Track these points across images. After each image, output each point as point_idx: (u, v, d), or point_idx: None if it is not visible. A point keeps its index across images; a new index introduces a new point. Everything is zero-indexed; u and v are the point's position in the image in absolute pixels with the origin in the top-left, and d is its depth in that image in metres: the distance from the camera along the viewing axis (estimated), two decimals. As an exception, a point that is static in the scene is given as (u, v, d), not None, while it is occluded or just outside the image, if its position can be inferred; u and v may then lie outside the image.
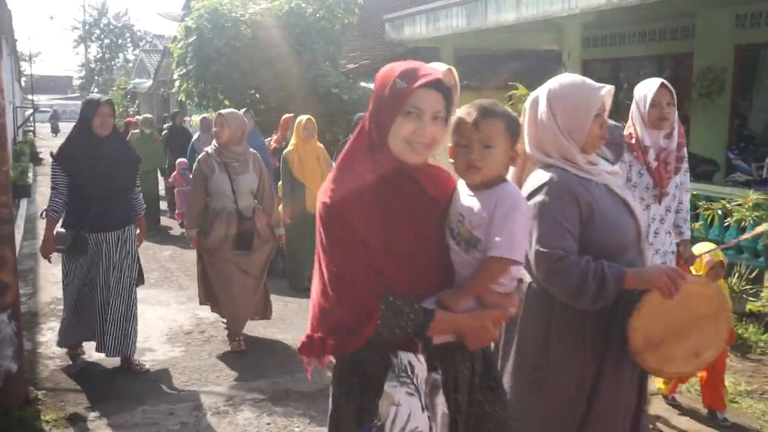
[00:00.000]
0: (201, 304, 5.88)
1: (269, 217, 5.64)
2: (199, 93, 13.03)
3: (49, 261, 5.06)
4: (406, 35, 12.96)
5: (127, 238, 5.05)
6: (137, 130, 11.94)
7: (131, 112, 31.59)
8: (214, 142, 5.51)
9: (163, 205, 12.84)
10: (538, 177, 2.48)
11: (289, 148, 7.31)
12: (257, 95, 13.17)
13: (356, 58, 16.33)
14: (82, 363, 5.28)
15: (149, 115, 12.70)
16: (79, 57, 61.73)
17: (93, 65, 55.95)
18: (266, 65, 12.37)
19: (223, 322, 5.96)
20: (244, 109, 7.43)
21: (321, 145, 7.38)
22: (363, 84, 14.23)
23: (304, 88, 12.35)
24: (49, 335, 5.91)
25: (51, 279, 7.82)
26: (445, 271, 2.10)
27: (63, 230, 4.89)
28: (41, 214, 4.72)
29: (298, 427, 4.22)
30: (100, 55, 56.65)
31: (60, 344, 5.23)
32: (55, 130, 40.35)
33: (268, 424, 4.27)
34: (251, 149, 5.78)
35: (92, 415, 4.39)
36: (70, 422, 4.29)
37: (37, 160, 23.04)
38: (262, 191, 5.61)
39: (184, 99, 13.73)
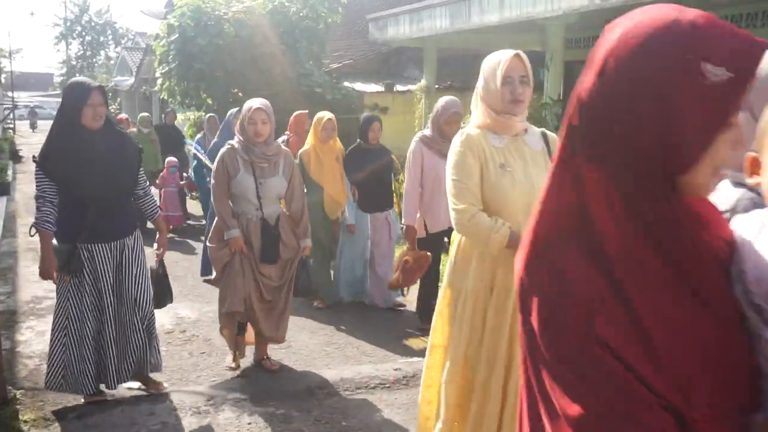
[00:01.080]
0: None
1: (297, 227, 4.96)
2: (181, 91, 12.97)
3: (55, 281, 4.19)
4: (389, 35, 12.96)
5: (134, 247, 4.35)
6: (134, 129, 11.46)
7: (113, 110, 31.35)
8: (238, 136, 4.81)
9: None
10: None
11: (305, 147, 6.74)
12: (240, 94, 13.12)
13: (340, 58, 16.31)
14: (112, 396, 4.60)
15: (147, 114, 12.23)
16: (60, 54, 61.20)
17: (74, 62, 55.49)
18: (249, 64, 12.34)
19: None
20: (236, 108, 7.14)
21: (341, 145, 6.93)
22: (347, 84, 14.22)
23: (288, 88, 12.33)
24: (28, 334, 5.85)
25: (30, 278, 7.75)
26: (747, 378, 1.12)
27: (54, 244, 4.12)
28: (31, 231, 4.00)
29: (278, 427, 4.21)
30: (82, 52, 56.20)
31: (70, 390, 4.39)
32: (33, 126, 40.14)
33: (249, 424, 4.25)
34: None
35: (71, 415, 4.35)
36: (49, 422, 4.25)
37: (16, 157, 22.81)
38: (291, 196, 4.93)
39: (166, 97, 13.66)
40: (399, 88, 14.19)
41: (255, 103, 4.74)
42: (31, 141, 30.23)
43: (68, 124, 4.07)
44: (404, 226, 5.57)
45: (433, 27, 11.38)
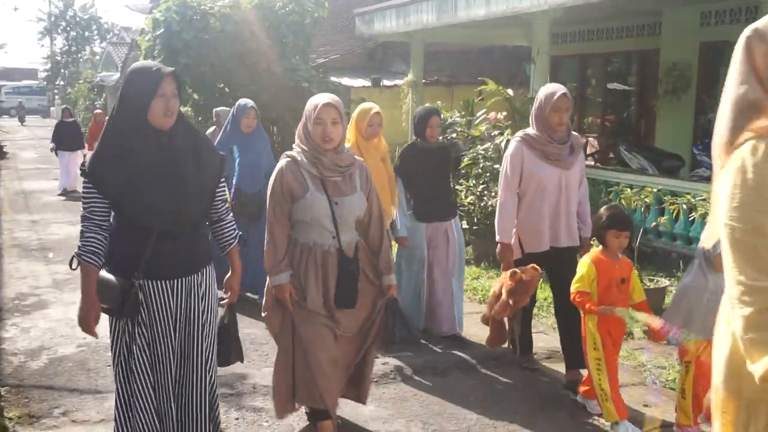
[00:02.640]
0: (286, 413, 4.00)
1: (377, 258, 3.87)
2: (167, 86, 12.90)
3: (94, 334, 3.19)
4: (376, 30, 12.95)
5: (205, 287, 3.26)
6: None
7: (98, 106, 31.16)
8: (299, 144, 3.71)
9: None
10: None
11: (347, 145, 5.28)
12: (226, 89, 13.06)
13: (326, 53, 16.28)
14: None
15: None
16: (44, 49, 60.82)
17: (59, 58, 55.01)
18: (235, 59, 12.29)
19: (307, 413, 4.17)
20: (244, 101, 6.62)
21: (386, 144, 5.76)
22: (333, 78, 14.20)
23: (274, 83, 12.29)
24: (12, 331, 5.82)
25: (15, 274, 7.71)
26: None
27: (106, 277, 3.08)
28: (72, 264, 3.05)
29: (266, 421, 4.21)
30: (66, 47, 55.73)
31: None
32: (22, 120, 40.04)
33: (237, 419, 4.25)
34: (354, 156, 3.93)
35: (57, 411, 4.33)
36: (34, 419, 4.23)
37: (0, 153, 22.61)
38: (368, 218, 3.84)
39: (152, 92, 13.58)
40: (386, 82, 14.19)
41: (323, 98, 3.63)
42: (15, 137, 30.01)
43: (129, 122, 2.99)
44: (498, 245, 4.70)
45: (419, 21, 11.38)
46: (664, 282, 6.68)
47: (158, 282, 3.09)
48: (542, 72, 9.45)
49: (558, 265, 4.68)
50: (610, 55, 12.52)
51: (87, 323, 3.11)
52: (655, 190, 7.34)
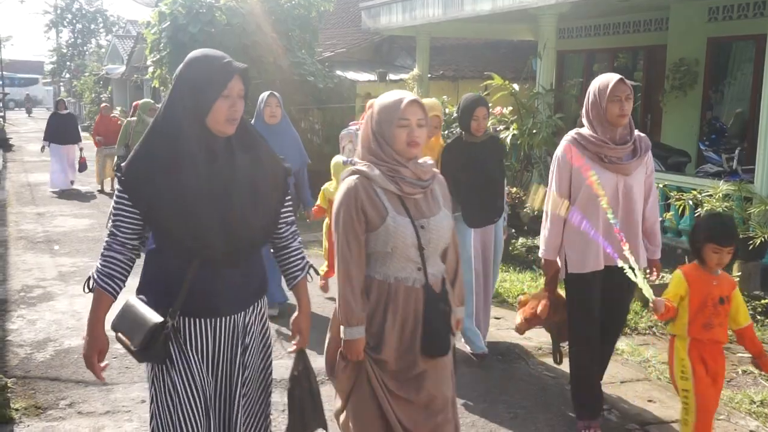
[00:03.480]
0: None
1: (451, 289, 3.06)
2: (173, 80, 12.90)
3: (98, 374, 2.64)
4: (382, 24, 12.92)
5: (258, 327, 2.67)
6: (132, 118, 10.38)
7: (104, 99, 31.19)
8: (366, 153, 2.90)
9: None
10: None
11: None
12: (232, 83, 13.06)
13: (332, 47, 16.26)
14: None
15: (151, 100, 11.03)
16: (50, 42, 60.81)
17: (65, 50, 54.97)
18: (241, 52, 12.27)
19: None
20: (267, 93, 5.85)
21: (443, 144, 5.22)
22: (339, 72, 14.18)
23: (280, 76, 12.28)
24: (19, 323, 5.84)
25: (22, 266, 7.74)
26: None
27: (134, 306, 2.49)
28: (85, 287, 2.53)
29: (271, 414, 4.21)
30: (72, 40, 55.69)
31: None
32: (29, 111, 40.28)
33: (241, 411, 4.26)
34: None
35: (63, 403, 4.35)
36: (41, 410, 4.25)
37: (6, 146, 22.67)
38: (449, 245, 3.05)
39: (157, 85, 13.59)
40: (391, 77, 14.15)
41: (404, 95, 2.85)
42: (21, 129, 30.07)
43: (182, 124, 2.39)
44: (543, 261, 4.06)
45: (425, 16, 11.35)
46: (670, 277, 6.65)
47: (198, 321, 2.47)
48: (548, 67, 9.42)
49: (609, 289, 3.92)
50: (616, 51, 12.47)
51: (91, 363, 2.54)
52: (661, 185, 7.32)
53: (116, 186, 2.48)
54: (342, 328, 2.84)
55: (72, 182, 13.96)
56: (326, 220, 6.34)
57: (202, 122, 2.38)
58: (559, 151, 3.91)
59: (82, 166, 14.29)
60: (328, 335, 3.03)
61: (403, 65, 15.79)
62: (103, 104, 15.84)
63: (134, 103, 11.40)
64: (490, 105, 5.38)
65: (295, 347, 2.78)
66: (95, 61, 41.25)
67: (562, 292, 4.20)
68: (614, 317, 4.04)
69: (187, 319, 2.47)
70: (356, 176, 2.84)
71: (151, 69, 13.37)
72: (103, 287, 2.46)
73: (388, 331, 2.86)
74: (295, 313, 2.78)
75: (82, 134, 15.00)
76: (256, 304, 2.63)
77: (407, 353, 2.88)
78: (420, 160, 2.88)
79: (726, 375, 4.89)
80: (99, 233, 9.72)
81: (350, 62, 15.75)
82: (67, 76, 50.13)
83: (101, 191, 13.89)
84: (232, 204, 2.42)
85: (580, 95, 12.83)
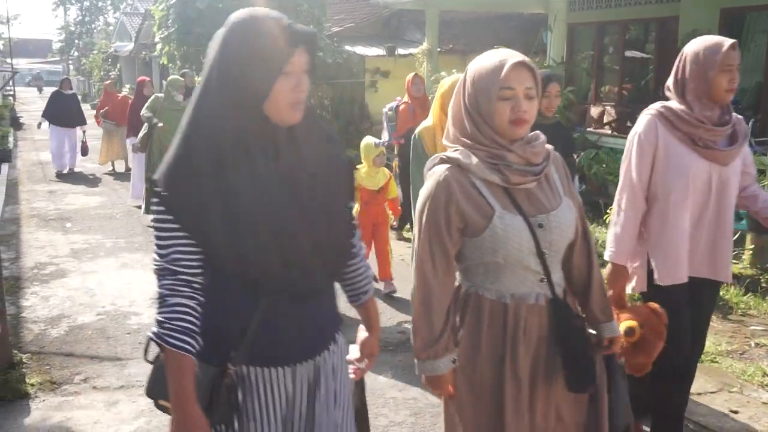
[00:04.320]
0: None
1: (585, 298, 2.34)
2: (181, 56, 12.86)
3: None
4: (391, -2, 12.82)
5: (335, 368, 2.06)
6: (159, 95, 9.04)
7: (112, 76, 31.19)
8: (459, 134, 2.21)
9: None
10: None
11: (426, 123, 4.24)
12: (240, 58, 13.02)
13: (341, 21, 16.16)
14: None
15: (179, 77, 9.57)
16: (58, 20, 60.70)
17: (72, 28, 54.90)
18: (249, 28, 12.23)
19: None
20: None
21: None
22: (348, 47, 14.10)
23: (288, 52, 12.23)
24: (32, 300, 5.89)
25: (34, 244, 7.79)
26: None
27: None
28: (148, 352, 1.91)
29: (283, 388, 4.25)
30: (80, 17, 55.59)
31: None
32: (40, 89, 40.44)
33: (254, 386, 4.29)
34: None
35: (78, 378, 4.40)
36: (55, 385, 4.29)
37: (17, 124, 22.74)
38: (576, 240, 2.29)
39: (166, 62, 13.55)
40: (400, 51, 14.08)
41: (509, 55, 2.15)
42: (31, 108, 30.13)
43: (230, 113, 1.77)
44: (609, 266, 3.13)
45: (434, -11, 11.24)
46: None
47: (267, 370, 1.91)
48: (559, 40, 9.34)
49: (690, 303, 3.14)
50: (628, 23, 12.32)
51: None
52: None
53: (156, 208, 1.80)
54: (420, 362, 2.18)
55: (72, 169, 13.22)
56: (356, 206, 5.89)
57: (257, 109, 1.76)
58: (640, 128, 3.08)
59: (84, 150, 13.39)
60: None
61: (412, 39, 15.68)
62: (108, 81, 15.15)
63: (138, 79, 10.87)
64: None
65: (356, 374, 2.23)
66: (103, 39, 41.21)
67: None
68: (698, 338, 3.29)
69: (254, 369, 1.89)
70: (446, 166, 2.14)
71: (159, 46, 13.32)
72: (182, 347, 1.76)
73: (515, 370, 2.16)
74: (364, 334, 2.26)
75: (92, 112, 14.70)
76: (332, 343, 2.04)
77: (540, 390, 2.20)
78: (529, 137, 2.18)
79: (738, 348, 4.90)
80: (110, 211, 9.76)
81: (359, 37, 15.65)
82: (76, 54, 50.11)
83: (110, 171, 13.45)
84: (305, 217, 1.84)
85: (591, 68, 12.73)
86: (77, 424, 3.85)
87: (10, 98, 31.77)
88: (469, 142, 2.16)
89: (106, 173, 13.34)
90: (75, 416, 3.93)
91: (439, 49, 13.16)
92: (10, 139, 16.85)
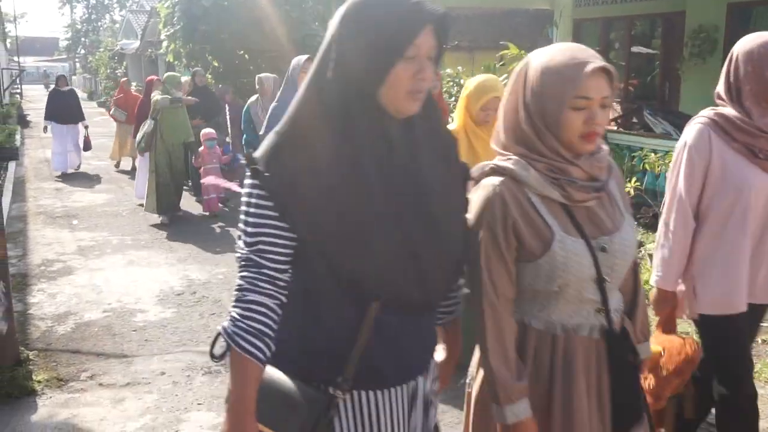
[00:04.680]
0: None
1: (629, 318, 2.07)
2: (187, 54, 12.87)
3: None
4: (396, -6, 12.79)
5: (428, 393, 1.84)
6: (157, 94, 8.82)
7: (119, 74, 31.23)
8: (512, 142, 1.88)
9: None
10: None
11: (451, 127, 3.89)
12: (246, 56, 13.02)
13: (346, 18, 16.14)
14: None
15: (177, 74, 9.91)
16: (64, 18, 60.84)
17: (79, 26, 55.07)
18: (255, 25, 12.21)
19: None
20: (304, 57, 5.34)
21: None
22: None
23: (293, 49, 12.21)
24: (39, 297, 5.91)
25: (41, 241, 7.82)
26: None
27: (280, 382, 1.67)
28: (214, 349, 1.69)
29: (289, 385, 4.25)
30: (87, 15, 55.74)
31: None
32: (47, 87, 40.49)
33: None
34: None
35: (84, 375, 4.41)
36: (62, 382, 4.31)
37: (24, 122, 22.81)
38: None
39: (172, 60, 13.58)
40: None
41: (583, 54, 1.80)
42: (38, 105, 30.21)
43: (344, 101, 1.58)
44: (655, 291, 2.83)
45: (440, -15, 11.22)
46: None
47: (375, 394, 1.67)
48: (565, 36, 9.31)
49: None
50: (634, 18, 12.28)
51: None
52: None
53: (251, 183, 1.58)
54: (498, 408, 1.84)
55: (78, 166, 13.12)
56: None
57: (371, 97, 1.56)
58: (689, 138, 2.69)
59: (87, 145, 13.20)
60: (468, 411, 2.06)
61: (417, 36, 15.67)
62: (124, 78, 14.90)
63: (147, 79, 10.74)
64: (506, 75, 4.91)
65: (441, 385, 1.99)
66: (109, 37, 41.30)
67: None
68: None
69: (361, 393, 1.66)
70: (500, 178, 1.83)
71: (165, 43, 13.34)
72: (251, 352, 1.58)
73: (565, 408, 1.90)
74: (441, 357, 1.96)
75: (99, 110, 14.68)
76: (429, 365, 1.82)
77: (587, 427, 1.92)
78: (600, 151, 1.90)
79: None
80: (117, 208, 9.79)
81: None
82: (82, 52, 50.25)
83: (117, 169, 13.50)
84: (423, 217, 1.62)
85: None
86: (83, 421, 3.86)
87: (18, 96, 31.88)
88: (525, 151, 1.84)
89: (117, 172, 13.33)
90: (81, 413, 3.94)
91: (444, 46, 13.13)
92: (17, 136, 16.90)
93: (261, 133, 5.22)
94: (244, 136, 8.52)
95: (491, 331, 1.84)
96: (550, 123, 1.80)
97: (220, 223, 8.73)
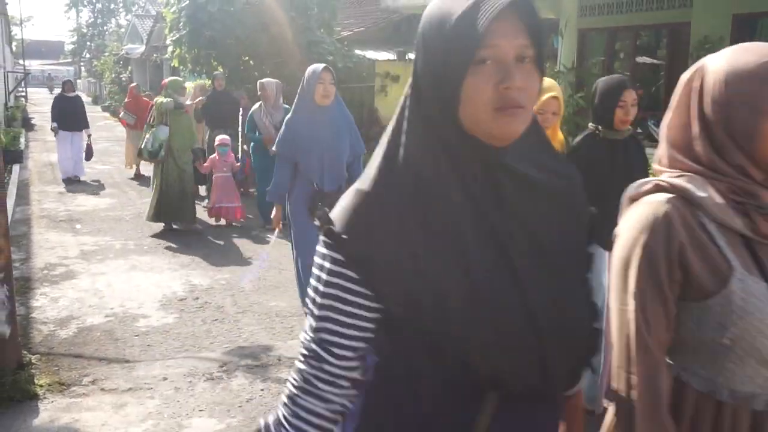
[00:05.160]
0: None
1: None
2: (192, 59, 12.91)
3: None
4: (401, 2, 12.82)
5: None
6: (163, 99, 8.45)
7: (124, 79, 31.29)
8: (683, 157, 1.52)
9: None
10: None
11: None
12: (251, 62, 13.05)
13: (351, 26, 16.18)
14: None
15: (180, 78, 9.60)
16: (70, 22, 61.06)
17: (85, 30, 55.22)
18: (260, 31, 12.25)
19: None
20: (320, 66, 4.97)
21: (562, 137, 3.99)
22: (358, 51, 14.11)
23: (298, 55, 12.24)
24: (42, 300, 5.91)
25: (44, 245, 7.82)
26: None
27: None
28: None
29: (291, 392, 4.24)
30: (92, 20, 55.89)
31: None
32: (51, 89, 41.06)
33: (262, 390, 4.29)
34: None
35: (86, 379, 4.40)
36: (64, 386, 4.30)
37: (29, 125, 22.87)
38: None
39: (177, 65, 13.61)
40: (411, 56, 14.07)
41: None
42: (43, 109, 30.28)
43: (424, 127, 1.21)
44: None
45: (445, -6, 11.24)
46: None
47: None
48: (570, 45, 9.32)
49: None
50: (639, 29, 12.27)
51: None
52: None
53: (323, 262, 1.24)
54: None
55: (78, 177, 12.60)
56: None
57: (451, 119, 1.18)
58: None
59: (89, 154, 12.89)
60: None
61: (422, 44, 15.70)
62: (133, 84, 14.45)
63: (162, 82, 10.40)
64: None
65: None
66: (115, 41, 41.41)
67: None
68: None
69: None
70: (667, 196, 1.48)
71: (170, 48, 13.37)
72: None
73: None
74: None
75: (103, 114, 14.47)
76: None
77: None
78: None
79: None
80: (120, 212, 9.79)
81: (369, 41, 15.67)
82: (88, 56, 50.37)
83: (137, 176, 12.86)
84: (545, 291, 1.22)
85: (601, 74, 12.70)
86: (85, 425, 3.86)
87: (23, 99, 31.95)
88: (702, 168, 1.48)
89: (134, 177, 12.95)
90: (83, 418, 3.93)
91: (541, 46, 13.15)
92: (22, 140, 16.93)
93: (274, 147, 5.02)
94: (251, 144, 8.49)
95: (642, 384, 1.44)
96: (740, 135, 1.43)
97: (234, 234, 8.57)
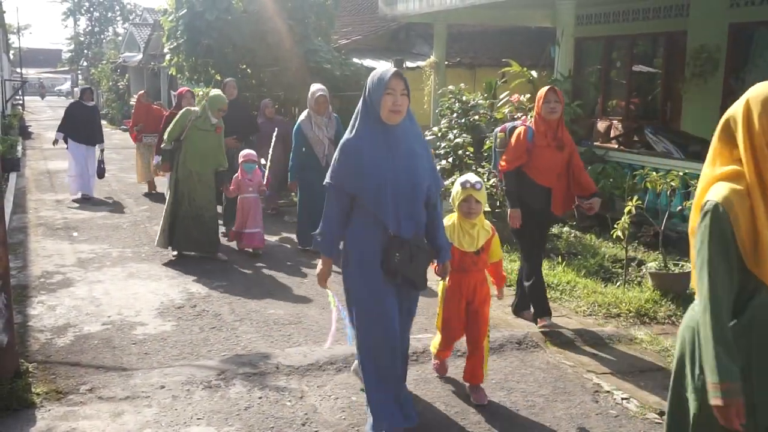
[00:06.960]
0: None
1: None
2: (189, 67, 12.90)
3: None
4: (399, 11, 12.85)
5: None
6: (194, 108, 7.69)
7: (121, 87, 31.29)
8: None
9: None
10: None
11: (724, 189, 2.54)
12: (249, 70, 13.06)
13: (348, 34, 16.22)
14: None
15: (222, 95, 7.74)
16: (68, 30, 61.15)
17: (82, 38, 55.25)
18: (258, 39, 12.25)
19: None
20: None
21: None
22: (355, 60, 14.14)
23: (296, 64, 12.26)
24: (39, 309, 5.89)
25: (41, 253, 7.80)
26: None
27: None
28: None
29: (289, 401, 4.23)
30: (90, 28, 55.93)
31: None
32: (42, 96, 40.92)
33: (260, 398, 4.28)
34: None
35: (83, 388, 4.38)
36: (61, 395, 4.28)
37: (26, 133, 22.85)
38: None
39: (174, 73, 13.61)
40: (408, 64, 14.10)
41: None
42: (40, 117, 30.29)
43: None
44: None
45: (443, 2, 11.29)
46: (689, 267, 6.61)
47: None
48: (567, 54, 9.35)
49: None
50: (636, 37, 12.33)
51: None
52: (681, 173, 7.25)
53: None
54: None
55: (89, 195, 11.46)
56: (441, 284, 4.40)
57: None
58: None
59: (101, 172, 11.80)
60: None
61: (420, 53, 15.73)
62: (141, 92, 13.28)
63: (177, 91, 9.83)
64: (507, 93, 5.17)
65: None
66: (112, 49, 41.39)
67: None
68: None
69: None
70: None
71: (167, 57, 13.37)
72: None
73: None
74: None
75: (101, 121, 13.45)
76: None
77: None
78: None
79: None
80: (117, 220, 9.78)
81: (367, 50, 15.71)
82: (85, 64, 50.37)
83: (150, 192, 12.02)
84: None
85: (598, 82, 12.73)
86: (82, 434, 3.84)
87: (20, 107, 31.94)
88: None
89: (147, 193, 12.10)
90: (80, 426, 3.92)
91: (447, 63, 13.19)
92: (19, 147, 16.92)
93: (327, 179, 3.77)
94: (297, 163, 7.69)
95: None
96: None
97: (260, 263, 7.52)
